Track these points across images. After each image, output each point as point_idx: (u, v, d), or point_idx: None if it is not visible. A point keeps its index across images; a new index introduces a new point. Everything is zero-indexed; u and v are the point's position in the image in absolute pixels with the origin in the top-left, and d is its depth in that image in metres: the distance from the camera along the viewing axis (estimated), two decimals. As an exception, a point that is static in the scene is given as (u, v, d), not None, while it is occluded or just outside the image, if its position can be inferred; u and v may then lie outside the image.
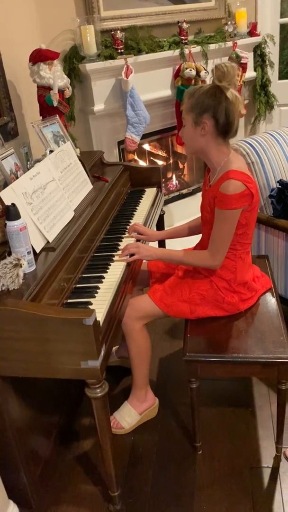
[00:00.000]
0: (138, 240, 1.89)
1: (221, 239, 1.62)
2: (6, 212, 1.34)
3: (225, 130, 1.56)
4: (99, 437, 1.43)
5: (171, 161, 3.62)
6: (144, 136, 3.01)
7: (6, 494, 1.50)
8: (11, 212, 1.33)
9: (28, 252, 1.39)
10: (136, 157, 3.40)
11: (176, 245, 2.12)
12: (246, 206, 1.58)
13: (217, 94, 1.52)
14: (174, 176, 3.69)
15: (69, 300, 1.49)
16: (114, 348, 2.21)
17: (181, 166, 3.76)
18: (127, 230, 1.95)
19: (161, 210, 2.47)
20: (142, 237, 1.91)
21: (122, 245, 1.84)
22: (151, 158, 3.55)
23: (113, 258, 1.75)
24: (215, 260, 1.65)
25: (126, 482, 1.67)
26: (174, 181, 3.68)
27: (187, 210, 3.39)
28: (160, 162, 3.56)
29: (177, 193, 3.64)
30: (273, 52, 3.62)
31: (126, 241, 1.86)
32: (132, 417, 1.87)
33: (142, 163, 3.40)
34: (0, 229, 1.41)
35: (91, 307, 1.44)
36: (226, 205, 1.55)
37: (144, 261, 1.98)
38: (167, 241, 2.46)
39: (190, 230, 1.96)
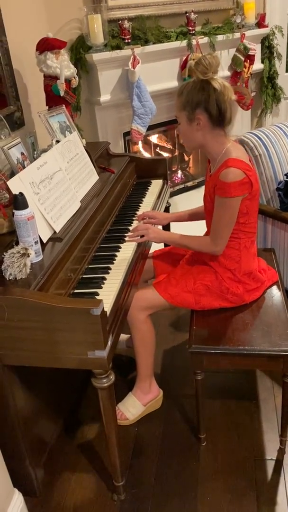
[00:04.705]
0: None
1: (222, 227, 1.63)
2: (14, 201, 1.33)
3: (220, 120, 1.57)
4: (105, 427, 1.44)
5: (176, 153, 3.60)
6: (150, 128, 2.99)
7: (11, 482, 1.51)
8: (19, 201, 1.32)
9: (35, 242, 1.38)
10: (141, 149, 3.38)
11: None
12: (245, 194, 1.58)
13: (205, 87, 1.53)
14: (179, 169, 3.67)
15: (76, 291, 1.48)
16: (125, 337, 2.21)
17: (186, 158, 3.73)
18: (135, 218, 1.99)
19: (167, 202, 2.45)
20: (153, 221, 1.94)
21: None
22: (157, 150, 3.53)
23: (124, 239, 1.82)
24: (217, 246, 1.67)
25: (130, 473, 1.68)
26: (179, 173, 3.66)
27: (192, 203, 3.33)
28: (165, 154, 3.54)
29: (182, 186, 3.62)
30: (281, 44, 3.58)
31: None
32: (137, 408, 1.87)
33: (147, 155, 3.38)
34: (7, 218, 1.40)
35: (98, 297, 1.44)
36: (225, 193, 1.55)
37: (149, 253, 1.98)
38: (172, 228, 2.46)
39: (190, 216, 2.02)
